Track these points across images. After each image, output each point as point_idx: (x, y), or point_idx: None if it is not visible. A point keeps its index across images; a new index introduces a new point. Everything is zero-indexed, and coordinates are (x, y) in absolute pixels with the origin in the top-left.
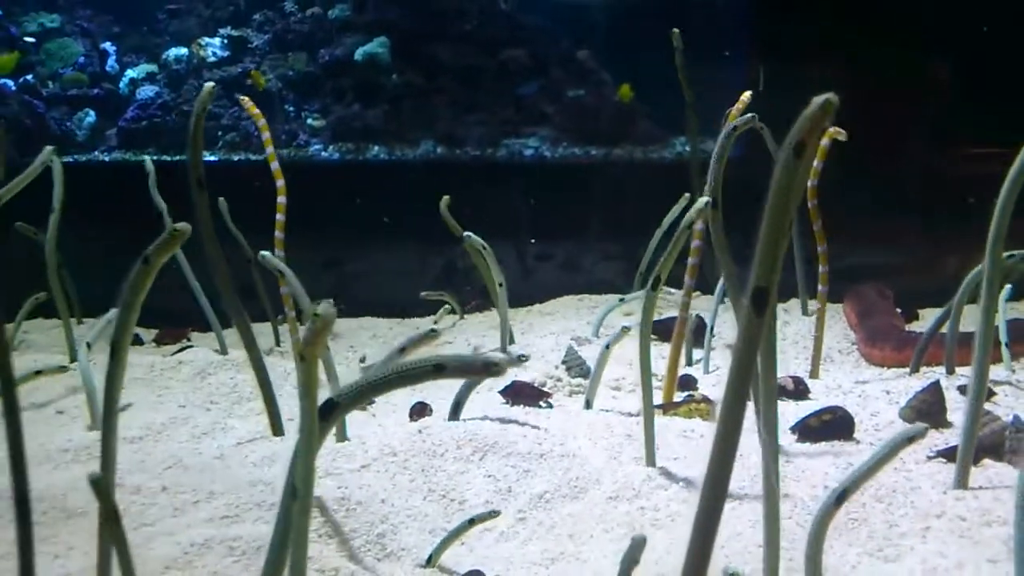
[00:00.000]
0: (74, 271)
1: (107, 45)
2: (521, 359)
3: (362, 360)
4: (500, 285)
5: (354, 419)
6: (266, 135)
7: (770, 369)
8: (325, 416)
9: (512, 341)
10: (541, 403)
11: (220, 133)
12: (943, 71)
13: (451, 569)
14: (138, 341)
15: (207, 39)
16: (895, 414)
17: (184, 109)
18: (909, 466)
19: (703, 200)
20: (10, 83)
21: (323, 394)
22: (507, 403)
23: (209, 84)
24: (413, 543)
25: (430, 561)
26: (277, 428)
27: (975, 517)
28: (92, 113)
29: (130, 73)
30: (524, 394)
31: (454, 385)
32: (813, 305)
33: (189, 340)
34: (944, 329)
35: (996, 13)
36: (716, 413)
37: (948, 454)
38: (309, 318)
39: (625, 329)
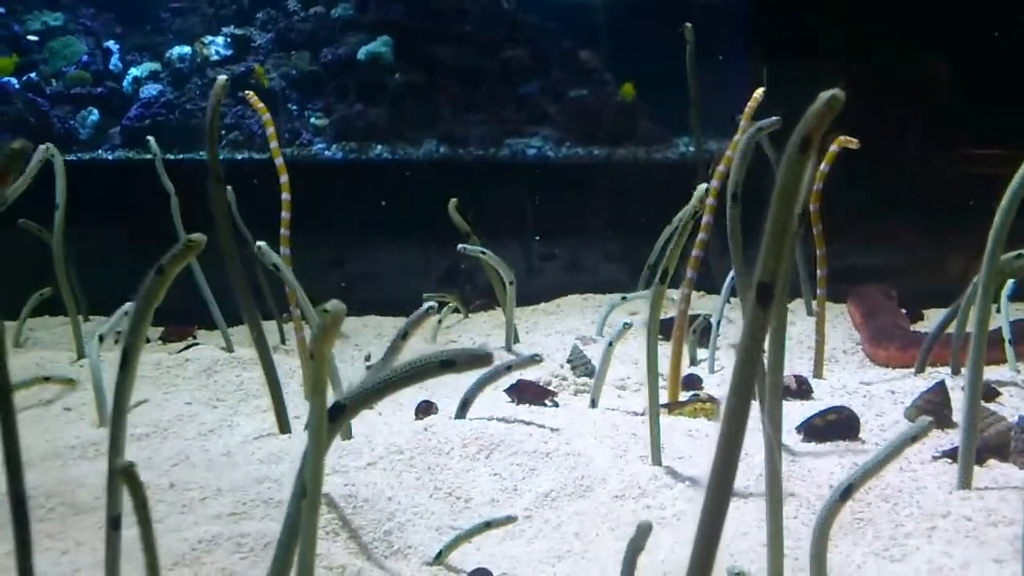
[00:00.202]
0: (78, 269)
1: (110, 43)
2: (535, 358)
3: (367, 359)
4: (511, 283)
5: (360, 417)
6: (270, 130)
7: (778, 364)
8: (333, 418)
9: (517, 340)
10: (547, 402)
11: (224, 132)
12: (945, 70)
13: (457, 567)
14: (144, 339)
15: (210, 38)
16: (900, 414)
17: (187, 108)
18: (914, 466)
19: (702, 187)
20: (14, 81)
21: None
22: (513, 402)
23: (222, 78)
24: (419, 540)
25: (439, 557)
26: (284, 425)
27: (981, 517)
28: (95, 111)
29: (133, 72)
30: (530, 393)
31: (460, 384)
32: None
33: (195, 338)
34: (949, 329)
35: (996, 13)
36: (721, 411)
37: (954, 454)
38: (318, 314)
39: (627, 325)
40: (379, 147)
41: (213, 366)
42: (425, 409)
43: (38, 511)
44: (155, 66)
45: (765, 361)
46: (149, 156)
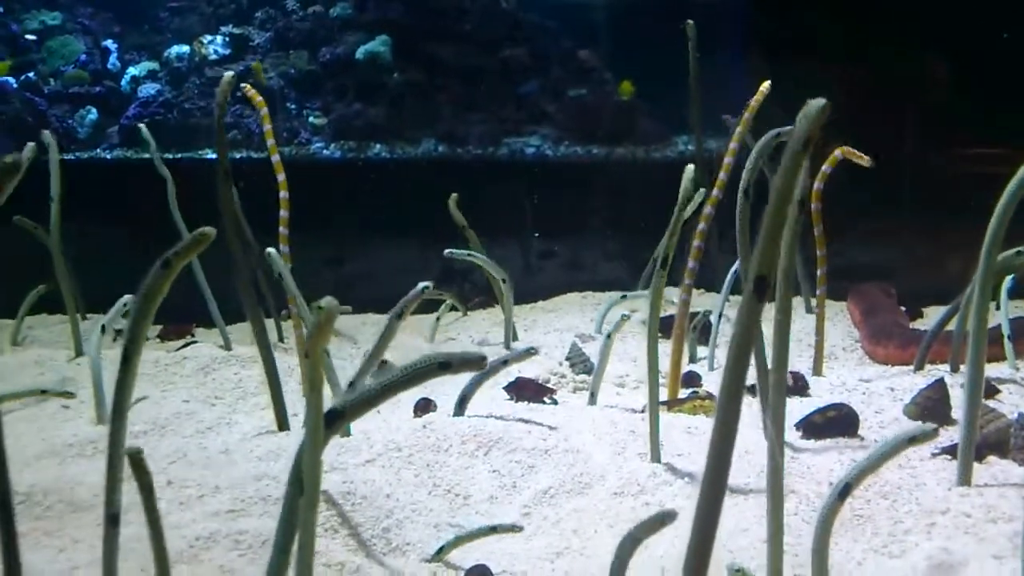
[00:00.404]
0: (76, 268)
1: (108, 43)
2: (531, 351)
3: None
4: (504, 282)
5: None
6: (267, 126)
7: (782, 362)
8: (329, 424)
9: (516, 338)
10: (545, 399)
11: None
12: (943, 69)
13: (456, 564)
14: (146, 334)
15: (209, 37)
16: (899, 411)
17: (185, 107)
18: (914, 463)
19: (690, 168)
20: (12, 81)
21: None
22: (511, 399)
23: (229, 74)
24: (418, 537)
25: (439, 554)
26: (283, 423)
27: (980, 514)
28: (94, 111)
29: (132, 71)
30: (528, 390)
31: (458, 381)
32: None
33: (193, 336)
34: (949, 327)
35: (996, 12)
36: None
37: (953, 451)
38: (312, 312)
39: (625, 317)
40: (378, 146)
41: (211, 364)
42: (424, 406)
43: (35, 509)
44: (153, 65)
45: (769, 359)
46: (147, 156)
